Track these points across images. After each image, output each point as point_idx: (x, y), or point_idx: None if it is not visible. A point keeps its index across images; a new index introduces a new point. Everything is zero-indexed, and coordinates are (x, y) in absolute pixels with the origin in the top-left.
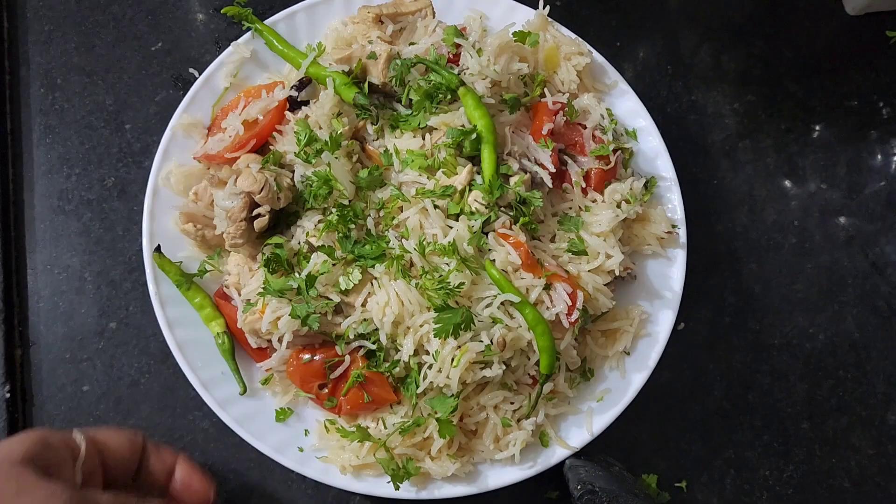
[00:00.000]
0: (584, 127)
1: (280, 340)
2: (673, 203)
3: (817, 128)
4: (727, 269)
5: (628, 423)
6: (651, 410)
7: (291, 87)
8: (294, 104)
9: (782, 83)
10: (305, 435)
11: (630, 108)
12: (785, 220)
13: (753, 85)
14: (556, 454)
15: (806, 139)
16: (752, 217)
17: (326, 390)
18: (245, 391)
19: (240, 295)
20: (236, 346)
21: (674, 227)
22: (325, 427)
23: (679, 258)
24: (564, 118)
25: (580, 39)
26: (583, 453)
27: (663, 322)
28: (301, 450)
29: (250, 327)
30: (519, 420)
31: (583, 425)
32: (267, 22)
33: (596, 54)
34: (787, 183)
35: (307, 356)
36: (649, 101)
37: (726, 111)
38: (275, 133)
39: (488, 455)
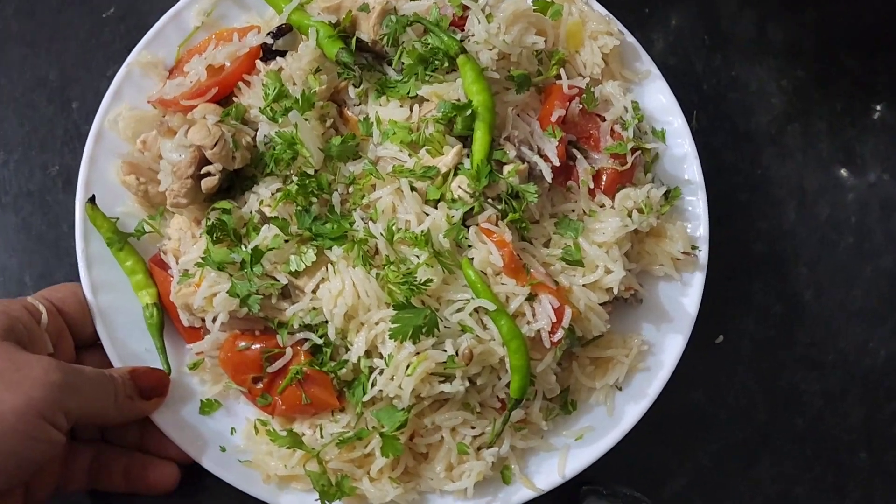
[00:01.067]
0: (603, 119)
1: (214, 321)
2: (697, 218)
3: (878, 108)
4: (773, 273)
5: (656, 449)
6: (683, 436)
7: (268, 34)
8: (268, 53)
9: (838, 57)
10: (231, 433)
11: (661, 104)
12: (840, 216)
13: (804, 59)
14: (518, 494)
15: (865, 122)
16: (802, 213)
17: (261, 385)
18: (169, 372)
19: (177, 263)
20: (167, 321)
21: (694, 247)
22: (255, 427)
23: (696, 283)
24: (580, 106)
25: (612, 17)
26: (601, 483)
27: (667, 357)
28: (223, 449)
29: (183, 301)
30: (479, 448)
31: (555, 465)
32: None
33: (628, 36)
34: (843, 173)
35: (244, 343)
36: (682, 77)
37: (772, 89)
38: (241, 84)
39: (438, 484)
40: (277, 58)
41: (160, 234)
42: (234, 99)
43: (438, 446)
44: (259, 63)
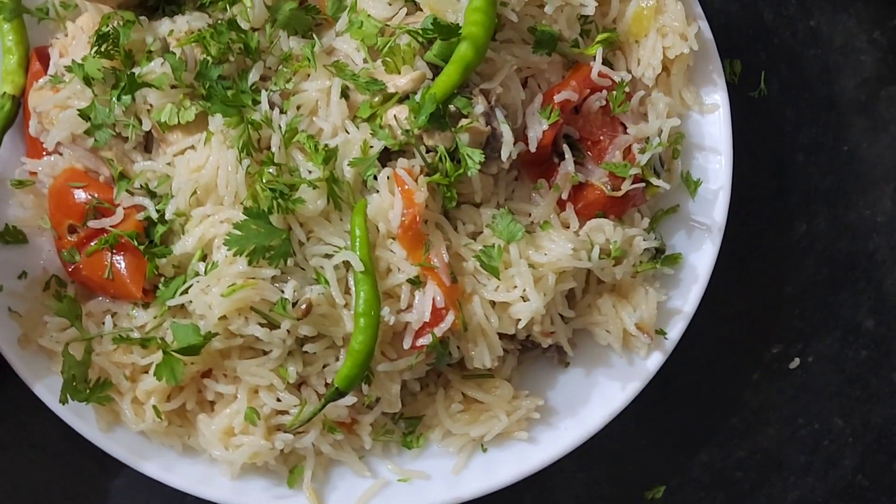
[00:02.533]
0: (626, 130)
1: (54, 137)
2: (686, 296)
3: None
4: (863, 280)
5: (718, 499)
6: (750, 483)
7: None
8: None
9: None
10: (20, 278)
11: (714, 161)
12: None
13: None
14: (290, 501)
15: None
16: None
17: (74, 238)
18: None
19: (57, 62)
20: (19, 124)
21: (659, 332)
22: (48, 283)
23: (642, 372)
24: (604, 102)
25: (702, 17)
26: None
27: (556, 442)
28: (0, 289)
29: (37, 103)
30: (275, 428)
31: (356, 495)
32: None
33: (711, 49)
34: None
35: (78, 183)
36: (747, 29)
37: (862, 44)
38: None
39: (206, 444)
40: None
41: (63, 27)
42: None
43: (228, 402)
44: None
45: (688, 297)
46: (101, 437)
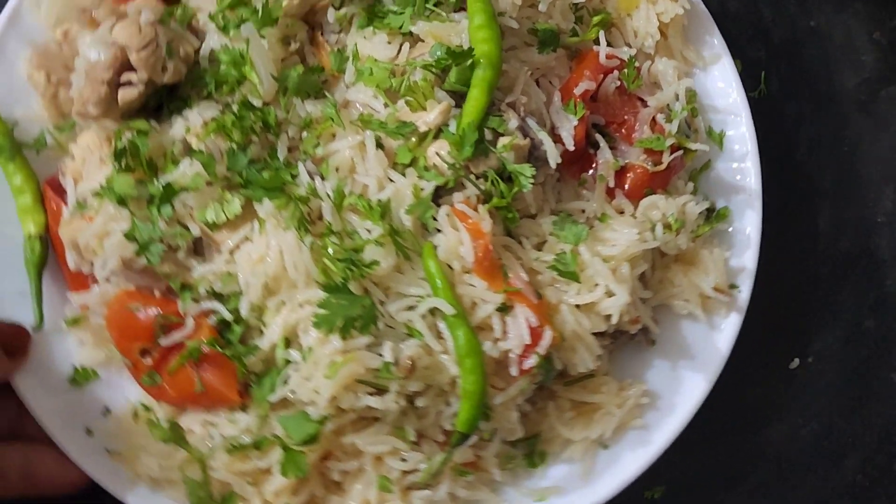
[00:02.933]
0: (645, 104)
1: (104, 267)
2: (746, 246)
3: None
4: (865, 279)
5: (718, 500)
6: (749, 484)
7: None
8: None
9: None
10: (104, 415)
11: (727, 102)
12: None
13: None
14: None
15: None
16: None
17: (150, 360)
18: (41, 325)
19: (76, 189)
20: (51, 261)
21: (732, 286)
22: (135, 413)
23: (727, 331)
24: (618, 83)
25: None
26: None
27: (672, 419)
28: (90, 433)
29: (72, 238)
30: (407, 489)
31: None
32: None
33: (700, 4)
34: None
35: (137, 304)
36: (747, 27)
37: (863, 43)
38: None
39: None
40: None
41: (64, 152)
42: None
43: (357, 476)
44: None
45: (746, 252)
46: None
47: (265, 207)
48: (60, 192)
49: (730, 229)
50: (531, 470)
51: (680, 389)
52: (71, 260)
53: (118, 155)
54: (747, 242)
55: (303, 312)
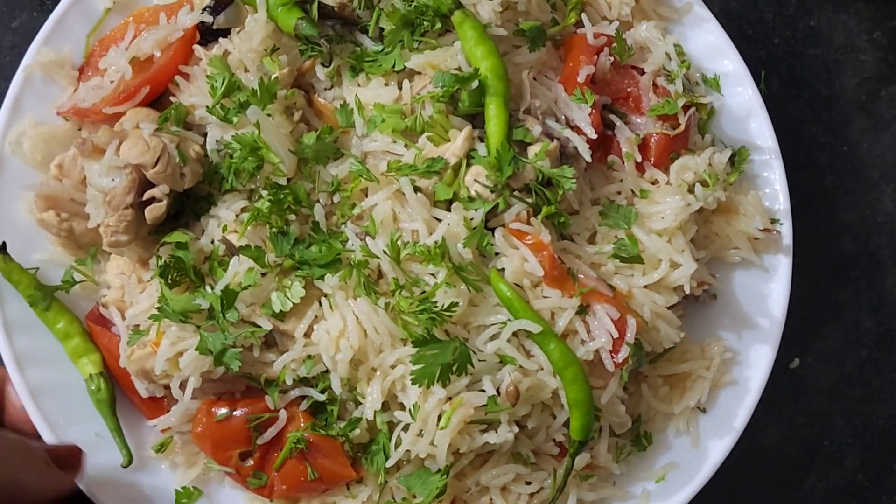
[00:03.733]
0: (642, 72)
1: (183, 387)
2: (773, 185)
3: None
4: (864, 279)
5: (719, 496)
6: (750, 484)
7: (204, 9)
8: (208, 34)
9: None
10: None
11: (710, 44)
12: None
13: None
14: None
15: None
16: None
17: (252, 462)
18: (130, 461)
19: (124, 319)
20: (118, 393)
21: (774, 221)
22: None
23: (781, 269)
24: (612, 59)
25: None
26: None
27: (757, 364)
28: None
29: (139, 367)
30: None
31: None
32: None
33: None
34: None
35: (223, 411)
36: (747, 28)
37: (862, 43)
38: (178, 78)
39: None
40: (220, 39)
41: (95, 283)
42: (172, 98)
43: None
44: (198, 49)
45: (776, 184)
46: None
47: (328, 282)
48: (106, 324)
49: (757, 172)
50: (642, 454)
51: (753, 338)
52: (142, 388)
53: (163, 272)
54: (773, 181)
55: (396, 373)
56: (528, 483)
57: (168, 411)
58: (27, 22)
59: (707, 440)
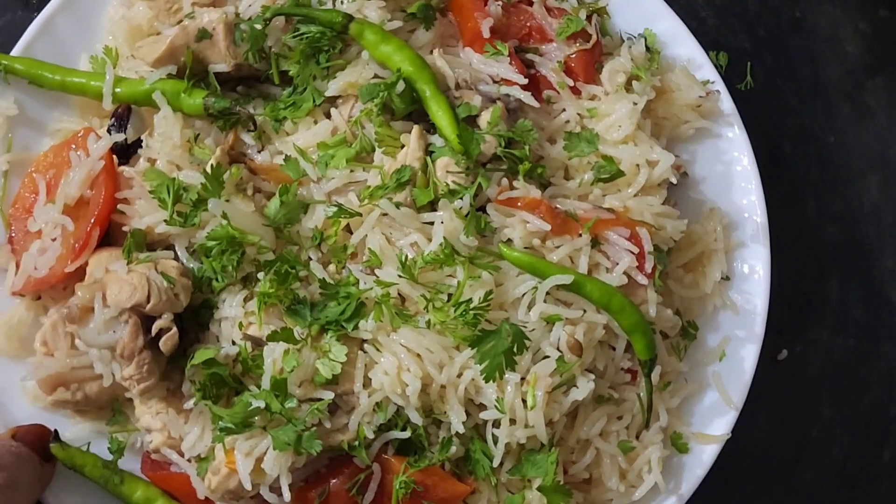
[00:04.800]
0: (530, 3)
1: (275, 490)
2: (693, 56)
3: None
4: (851, 269)
5: (709, 491)
6: (740, 474)
7: (109, 128)
8: (125, 152)
9: None
10: None
11: None
12: None
13: None
14: (703, 456)
15: None
16: (887, 190)
17: None
18: None
19: (182, 455)
20: None
21: (706, 84)
22: None
23: (735, 128)
24: (498, 2)
25: None
26: None
27: (751, 209)
28: None
29: (223, 491)
30: (638, 435)
31: (718, 401)
32: (18, 49)
33: None
34: None
35: (320, 491)
36: (731, 18)
37: (848, 34)
38: (120, 206)
39: (622, 499)
40: (138, 150)
41: (130, 431)
42: (124, 228)
43: (598, 461)
44: (126, 170)
45: (694, 54)
46: None
47: (364, 329)
48: (162, 467)
49: (676, 54)
50: (694, 343)
51: (738, 192)
52: None
53: (204, 394)
54: (691, 48)
55: (466, 379)
56: (620, 418)
57: None
58: (10, 22)
59: (743, 304)
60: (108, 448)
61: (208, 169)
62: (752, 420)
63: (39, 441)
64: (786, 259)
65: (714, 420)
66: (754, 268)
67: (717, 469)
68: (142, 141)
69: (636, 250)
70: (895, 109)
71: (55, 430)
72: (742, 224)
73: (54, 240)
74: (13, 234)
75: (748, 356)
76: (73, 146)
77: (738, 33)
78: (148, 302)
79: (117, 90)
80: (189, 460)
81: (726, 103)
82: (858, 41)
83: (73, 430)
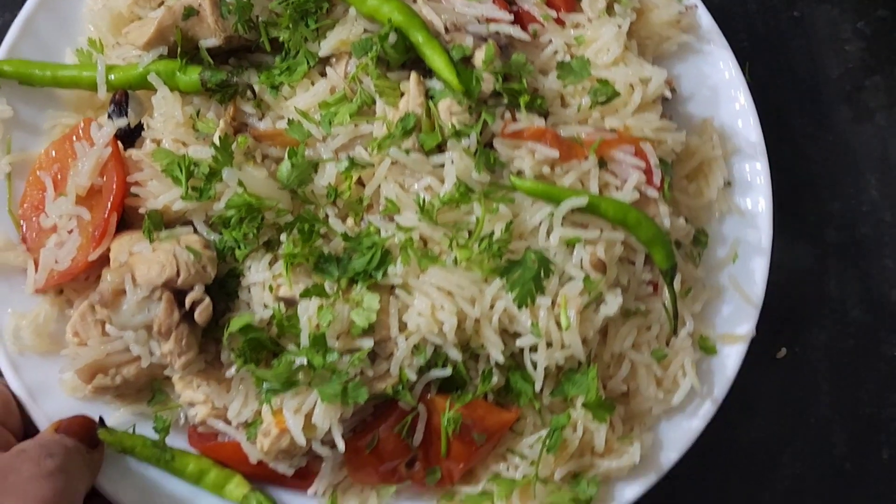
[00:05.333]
0: None
1: (326, 442)
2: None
3: None
4: (850, 267)
5: (709, 489)
6: (739, 472)
7: (110, 115)
8: (129, 136)
9: None
10: None
11: None
12: None
13: None
14: (731, 357)
15: None
16: (886, 190)
17: (418, 465)
18: None
19: (229, 423)
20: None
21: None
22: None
23: (717, 39)
24: None
25: None
26: None
27: (743, 121)
28: None
29: (278, 451)
30: (668, 343)
31: (737, 302)
32: (1, 52)
33: None
34: None
35: (369, 439)
36: (729, 17)
37: (846, 33)
38: (134, 189)
39: (663, 405)
40: (142, 134)
41: (175, 408)
42: (140, 210)
43: (634, 372)
44: (131, 153)
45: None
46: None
47: (392, 275)
48: (210, 438)
49: None
50: (706, 249)
51: (727, 98)
52: (284, 468)
53: (245, 358)
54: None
55: (499, 309)
56: (648, 329)
57: (321, 471)
58: (9, 22)
59: (746, 206)
60: (154, 428)
61: (216, 140)
62: (750, 419)
63: (83, 431)
64: (785, 258)
65: (737, 320)
66: (755, 169)
67: (716, 468)
68: (143, 125)
69: (643, 165)
70: (894, 109)
71: (100, 417)
72: (736, 131)
73: (70, 232)
74: (26, 234)
75: (761, 255)
76: (75, 138)
77: (736, 32)
78: (178, 277)
79: (111, 77)
80: (236, 427)
81: (704, 18)
82: (857, 40)
83: (115, 416)
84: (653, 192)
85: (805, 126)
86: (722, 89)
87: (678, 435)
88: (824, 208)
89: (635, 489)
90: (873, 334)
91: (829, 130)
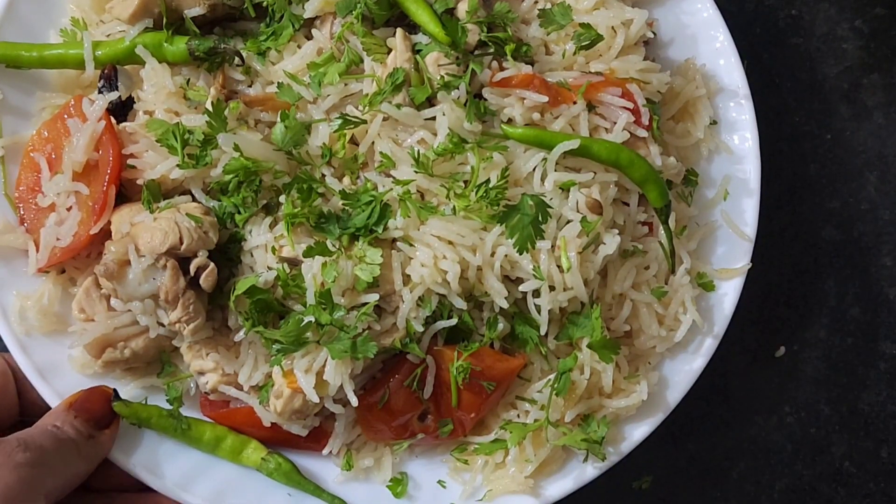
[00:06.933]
0: None
1: (338, 400)
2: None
3: None
4: (848, 267)
5: (707, 488)
6: (738, 475)
7: (100, 91)
8: (121, 110)
9: None
10: (441, 485)
11: None
12: None
13: None
14: (729, 293)
15: None
16: (885, 188)
17: (430, 418)
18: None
19: (240, 388)
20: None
21: None
22: (456, 462)
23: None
24: None
25: None
26: None
27: (725, 59)
28: None
29: (291, 411)
30: (667, 281)
31: (731, 240)
32: None
33: None
34: None
35: (380, 394)
36: (729, 16)
37: (844, 32)
38: (130, 161)
39: (665, 343)
40: (134, 106)
41: (186, 378)
42: (138, 181)
43: (636, 311)
44: (128, 126)
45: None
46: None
47: (393, 227)
48: (223, 405)
49: None
50: (697, 188)
51: (708, 40)
52: (298, 428)
53: (253, 320)
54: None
55: (500, 257)
56: (647, 268)
57: (335, 430)
58: None
59: (733, 143)
60: (166, 398)
61: (209, 106)
62: (749, 418)
63: (98, 405)
64: (783, 257)
65: (732, 255)
66: (739, 106)
67: (715, 468)
68: (133, 98)
69: (630, 106)
70: (892, 107)
71: (114, 389)
72: (717, 70)
73: (69, 209)
74: (24, 216)
75: (751, 189)
76: (67, 115)
77: (734, 31)
78: (181, 243)
79: (98, 54)
80: (248, 392)
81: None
82: (854, 39)
83: (125, 391)
84: (642, 132)
85: (803, 125)
86: (701, 29)
87: (682, 372)
88: (823, 207)
89: (644, 428)
90: (872, 333)
91: (828, 129)
